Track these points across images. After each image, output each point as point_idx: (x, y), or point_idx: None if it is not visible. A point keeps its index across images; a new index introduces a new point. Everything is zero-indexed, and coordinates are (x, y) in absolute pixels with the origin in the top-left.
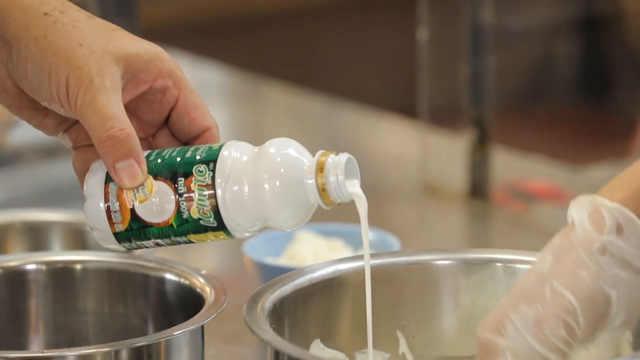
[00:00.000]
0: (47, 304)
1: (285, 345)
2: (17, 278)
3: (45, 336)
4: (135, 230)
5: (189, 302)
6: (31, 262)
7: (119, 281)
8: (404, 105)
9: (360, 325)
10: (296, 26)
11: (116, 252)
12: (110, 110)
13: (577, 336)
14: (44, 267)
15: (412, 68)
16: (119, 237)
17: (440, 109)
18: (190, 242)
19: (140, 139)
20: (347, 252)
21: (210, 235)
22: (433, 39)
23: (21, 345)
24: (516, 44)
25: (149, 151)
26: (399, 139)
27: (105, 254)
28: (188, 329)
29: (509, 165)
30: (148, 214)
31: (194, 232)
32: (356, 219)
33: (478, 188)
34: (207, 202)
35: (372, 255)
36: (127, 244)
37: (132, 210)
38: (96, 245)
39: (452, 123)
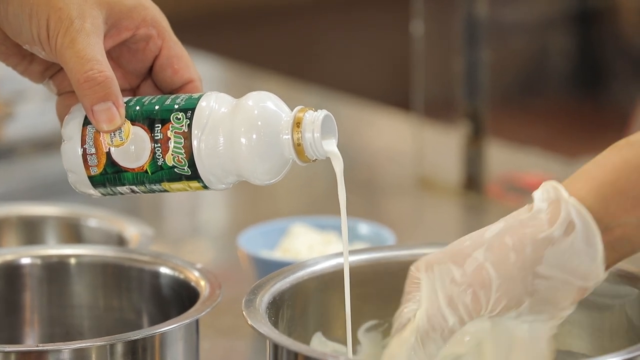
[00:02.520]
0: (41, 297)
1: (283, 339)
2: (11, 272)
3: (40, 330)
4: (110, 175)
5: (183, 296)
6: (26, 255)
7: (114, 275)
8: (398, 98)
9: (352, 317)
10: (291, 20)
11: (92, 196)
12: (89, 53)
13: (481, 310)
14: (38, 261)
15: (407, 62)
16: (94, 180)
17: (435, 102)
18: (166, 190)
19: (125, 89)
20: (341, 245)
21: (185, 184)
22: (428, 33)
23: (16, 339)
24: (511, 38)
25: (129, 97)
26: (394, 133)
27: (100, 248)
28: (183, 322)
29: (503, 159)
30: (123, 159)
31: (169, 180)
32: (350, 212)
33: (473, 181)
34: (182, 150)
35: (369, 250)
36: (102, 189)
37: (108, 154)
38: (91, 239)
39: (446, 116)
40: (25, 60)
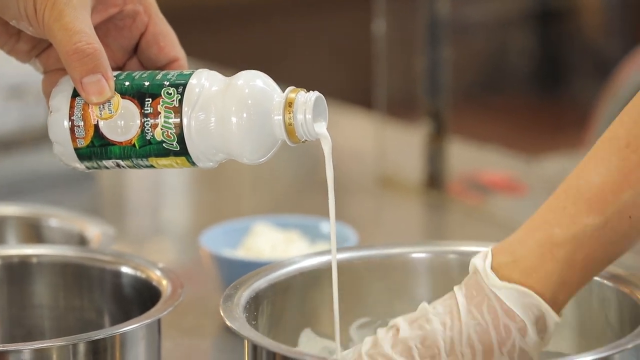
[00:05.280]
0: (2, 298)
1: (265, 341)
2: None
3: (1, 330)
4: (97, 148)
5: (145, 296)
6: None
7: (75, 275)
8: (360, 97)
9: (343, 314)
10: (255, 19)
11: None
12: (77, 25)
13: None
14: None
15: (369, 60)
16: (80, 153)
17: (397, 101)
18: (152, 166)
19: (111, 67)
20: (304, 244)
21: (172, 160)
22: (390, 32)
23: None
24: (472, 37)
25: (119, 72)
26: (356, 131)
27: (61, 248)
28: (144, 322)
29: (465, 157)
30: (111, 132)
31: (156, 155)
32: (313, 211)
33: (434, 179)
34: (171, 125)
35: (358, 248)
36: (87, 162)
37: (96, 127)
38: (52, 239)
39: (408, 115)
40: (12, 39)
